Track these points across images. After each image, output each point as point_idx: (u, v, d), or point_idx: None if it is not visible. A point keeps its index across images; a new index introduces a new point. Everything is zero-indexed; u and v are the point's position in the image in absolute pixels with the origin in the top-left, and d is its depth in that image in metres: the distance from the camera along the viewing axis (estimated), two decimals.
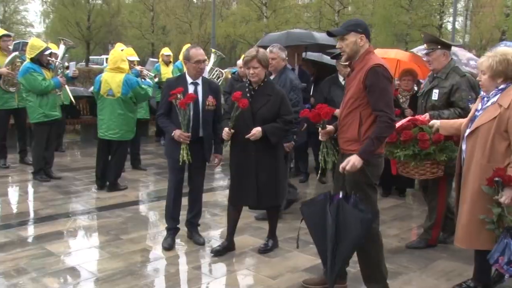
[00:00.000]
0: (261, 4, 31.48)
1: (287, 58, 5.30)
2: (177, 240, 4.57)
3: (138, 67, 7.40)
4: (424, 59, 4.60)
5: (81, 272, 3.84)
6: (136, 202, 5.92)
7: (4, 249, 4.24)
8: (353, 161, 3.16)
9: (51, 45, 8.02)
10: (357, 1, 29.80)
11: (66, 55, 7.17)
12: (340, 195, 3.20)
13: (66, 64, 7.21)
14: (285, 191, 4.47)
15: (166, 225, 4.52)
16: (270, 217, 4.48)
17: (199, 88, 4.37)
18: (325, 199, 3.23)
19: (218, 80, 7.88)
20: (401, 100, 6.01)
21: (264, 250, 4.34)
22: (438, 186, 4.42)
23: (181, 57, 8.88)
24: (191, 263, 4.11)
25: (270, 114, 4.05)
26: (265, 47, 6.94)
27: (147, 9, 34.87)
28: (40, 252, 4.21)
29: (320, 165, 3.59)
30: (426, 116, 4.21)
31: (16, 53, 7.59)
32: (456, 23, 27.40)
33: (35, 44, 6.58)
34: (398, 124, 3.99)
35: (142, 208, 5.81)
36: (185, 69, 4.55)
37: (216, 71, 8.02)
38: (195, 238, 4.55)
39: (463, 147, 3.47)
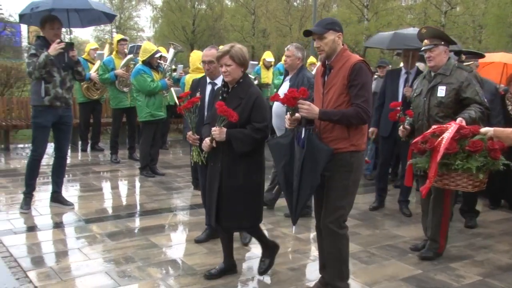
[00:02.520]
0: (362, 6, 30.86)
1: (303, 58, 5.25)
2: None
3: None
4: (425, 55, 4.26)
5: (181, 265, 4.03)
6: None
7: (114, 238, 4.57)
8: (313, 111, 3.12)
9: (160, 48, 8.51)
10: (467, 1, 28.08)
11: (174, 58, 7.55)
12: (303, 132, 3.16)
13: (173, 66, 7.58)
14: (259, 213, 3.70)
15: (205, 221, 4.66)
16: (253, 236, 4.00)
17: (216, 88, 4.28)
18: (293, 134, 3.24)
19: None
20: (509, 108, 5.51)
21: (265, 270, 3.86)
22: (444, 194, 4.14)
23: (282, 59, 9.01)
24: (285, 264, 4.12)
25: (240, 120, 3.42)
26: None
27: (248, 12, 35.69)
28: (145, 243, 4.48)
29: None
30: (462, 121, 3.75)
31: (131, 55, 8.16)
32: None
33: (147, 47, 7.00)
34: (451, 133, 3.57)
35: None
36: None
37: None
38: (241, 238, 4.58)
39: None
